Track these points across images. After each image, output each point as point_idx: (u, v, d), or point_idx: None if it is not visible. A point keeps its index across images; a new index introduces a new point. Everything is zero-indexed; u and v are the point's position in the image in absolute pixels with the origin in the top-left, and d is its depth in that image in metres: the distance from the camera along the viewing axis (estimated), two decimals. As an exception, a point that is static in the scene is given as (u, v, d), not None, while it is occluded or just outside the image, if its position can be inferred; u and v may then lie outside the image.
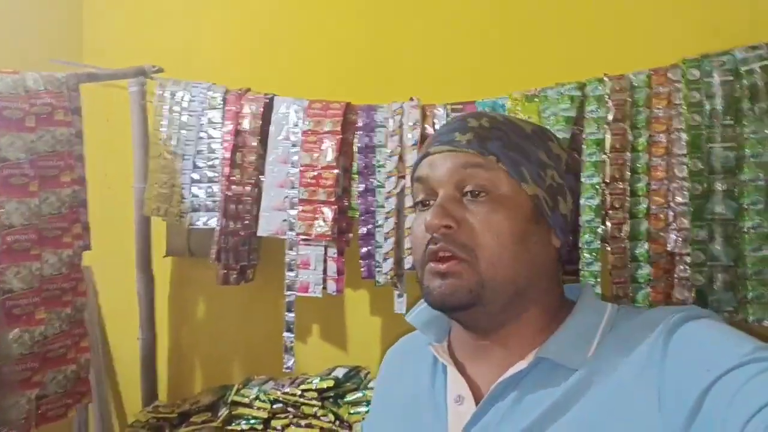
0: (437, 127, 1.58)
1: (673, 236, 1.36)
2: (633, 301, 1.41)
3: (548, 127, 1.46)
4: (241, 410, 1.71)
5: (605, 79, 1.42)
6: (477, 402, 0.63)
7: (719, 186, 1.29)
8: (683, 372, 0.54)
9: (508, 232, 0.63)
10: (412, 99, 1.62)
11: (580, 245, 1.43)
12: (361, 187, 1.67)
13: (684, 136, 1.33)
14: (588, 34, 1.65)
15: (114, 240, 2.07)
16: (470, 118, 0.68)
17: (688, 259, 1.33)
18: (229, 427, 1.69)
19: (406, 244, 1.60)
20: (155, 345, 2.07)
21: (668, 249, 1.37)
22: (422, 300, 0.70)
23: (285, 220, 1.73)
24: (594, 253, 1.42)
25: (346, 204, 1.71)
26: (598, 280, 1.41)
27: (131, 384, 2.17)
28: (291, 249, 1.73)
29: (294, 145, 1.72)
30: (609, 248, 1.42)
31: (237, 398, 1.72)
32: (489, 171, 0.64)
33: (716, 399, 0.51)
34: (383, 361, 0.84)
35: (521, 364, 0.62)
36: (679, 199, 1.35)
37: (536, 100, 1.51)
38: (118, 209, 2.10)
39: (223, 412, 1.72)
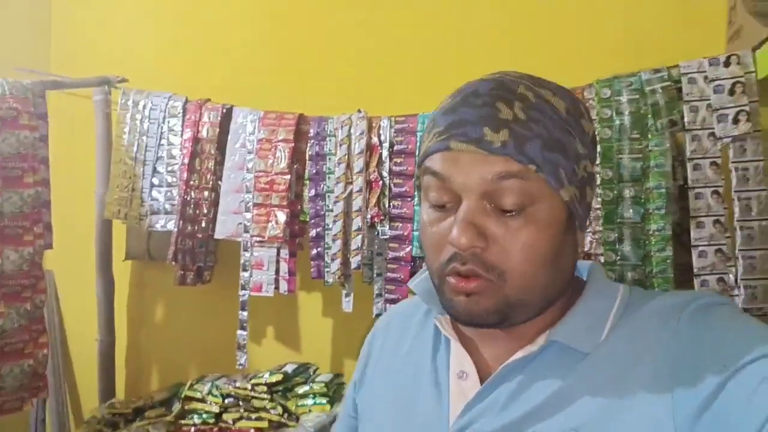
0: (383, 137, 1.71)
1: (588, 238, 1.51)
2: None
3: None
4: (194, 405, 1.78)
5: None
6: (481, 380, 0.61)
7: (627, 193, 1.45)
8: (699, 363, 0.52)
9: (543, 251, 0.57)
10: (359, 111, 1.75)
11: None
12: (312, 192, 1.78)
13: (597, 148, 1.48)
14: (512, 55, 1.81)
15: (75, 243, 2.13)
16: (501, 104, 0.56)
17: (601, 259, 1.48)
18: (183, 422, 1.76)
19: (353, 245, 1.72)
20: (114, 346, 2.13)
21: (584, 250, 1.51)
22: (425, 267, 0.66)
23: (240, 223, 1.83)
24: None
25: (299, 208, 1.82)
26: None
27: (89, 383, 2.21)
28: (245, 250, 1.82)
29: (249, 153, 1.83)
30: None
31: (190, 393, 1.79)
32: (527, 182, 0.55)
33: (732, 394, 0.49)
34: (377, 326, 0.79)
35: (531, 347, 0.59)
36: (592, 204, 1.49)
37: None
38: (80, 213, 2.16)
39: (176, 407, 1.79)
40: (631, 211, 1.44)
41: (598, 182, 1.46)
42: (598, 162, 1.46)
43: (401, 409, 0.66)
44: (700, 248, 1.34)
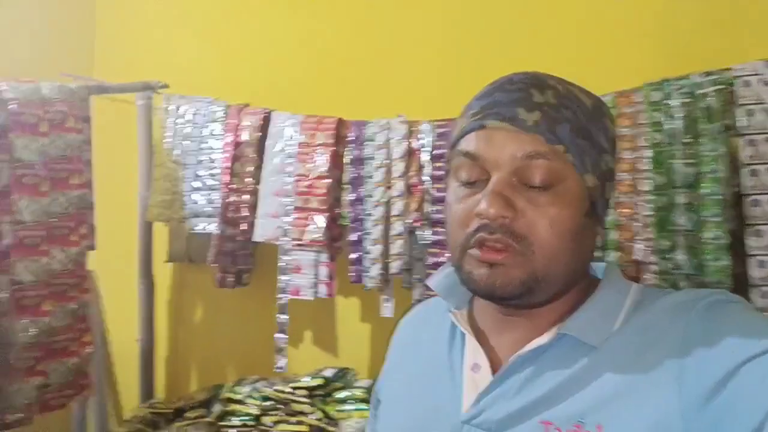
0: (423, 141, 1.69)
1: (640, 246, 1.46)
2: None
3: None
4: (233, 407, 1.78)
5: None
6: (494, 372, 0.63)
7: (680, 199, 1.40)
8: (709, 352, 0.53)
9: (567, 228, 0.58)
10: (399, 116, 1.73)
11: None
12: (352, 196, 1.78)
13: (648, 153, 1.44)
14: (556, 58, 1.77)
15: (117, 245, 2.17)
16: (534, 90, 0.60)
17: (654, 268, 1.43)
18: (222, 423, 1.77)
19: (393, 250, 1.71)
20: (154, 346, 2.16)
21: (635, 258, 1.47)
22: (445, 265, 0.68)
23: (279, 227, 1.83)
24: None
25: (338, 212, 1.81)
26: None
27: (129, 382, 2.24)
28: (285, 254, 1.83)
29: (289, 156, 1.84)
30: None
31: (230, 395, 1.80)
32: (555, 162, 0.58)
33: (739, 385, 0.50)
34: (398, 328, 0.83)
35: (542, 339, 0.60)
36: (644, 211, 1.45)
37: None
38: (123, 216, 2.20)
39: (217, 408, 1.80)
40: (684, 218, 1.39)
41: (650, 188, 1.42)
42: (650, 168, 1.42)
43: (416, 399, 0.68)
44: (759, 257, 1.29)
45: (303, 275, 1.81)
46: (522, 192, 0.59)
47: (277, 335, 1.82)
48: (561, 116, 0.59)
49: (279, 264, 1.82)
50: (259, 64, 2.20)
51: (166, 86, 2.09)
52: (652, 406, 0.53)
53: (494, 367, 0.63)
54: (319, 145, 1.80)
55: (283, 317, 1.82)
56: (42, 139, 1.62)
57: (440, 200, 1.67)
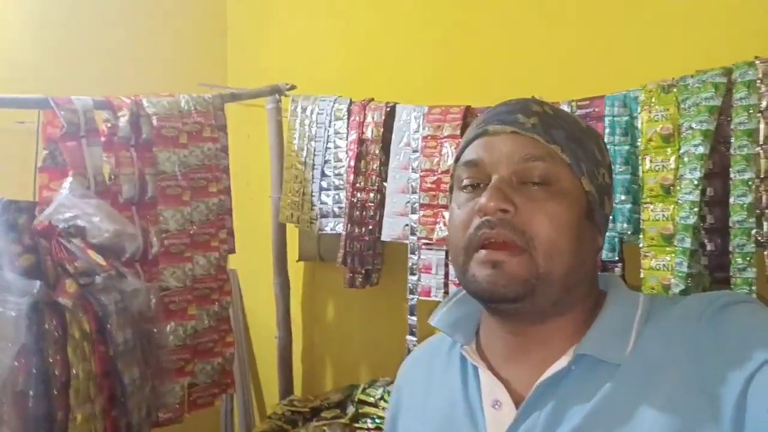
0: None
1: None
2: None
3: (689, 118, 1.35)
4: (366, 409, 1.77)
5: (757, 62, 1.27)
6: (516, 405, 0.60)
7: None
8: (725, 362, 0.53)
9: (566, 224, 0.60)
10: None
11: (730, 249, 1.29)
12: (482, 190, 1.65)
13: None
14: (732, 16, 1.49)
15: (256, 245, 2.25)
16: (532, 103, 0.66)
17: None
18: (357, 425, 1.76)
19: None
20: (291, 343, 2.22)
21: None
22: (442, 303, 0.69)
23: (407, 225, 1.76)
24: (748, 258, 1.27)
25: (467, 208, 1.70)
26: (754, 288, 1.26)
27: (270, 379, 2.34)
28: (413, 253, 1.76)
29: (414, 151, 1.76)
30: (767, 252, 1.27)
31: (363, 397, 1.78)
32: (552, 161, 0.61)
33: (758, 391, 0.50)
34: (401, 370, 0.79)
35: (560, 363, 0.59)
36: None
37: (674, 90, 1.39)
38: (259, 217, 2.28)
39: (351, 410, 1.79)
40: None
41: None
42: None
43: None
44: None
45: (433, 275, 1.73)
46: (521, 190, 0.61)
47: (408, 337, 1.76)
48: (556, 123, 0.63)
49: (408, 263, 1.76)
50: (381, 57, 2.15)
51: (293, 87, 2.12)
52: (687, 426, 0.52)
53: (516, 400, 0.61)
54: (447, 137, 1.70)
55: (413, 319, 1.75)
56: (181, 151, 1.71)
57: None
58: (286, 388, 2.19)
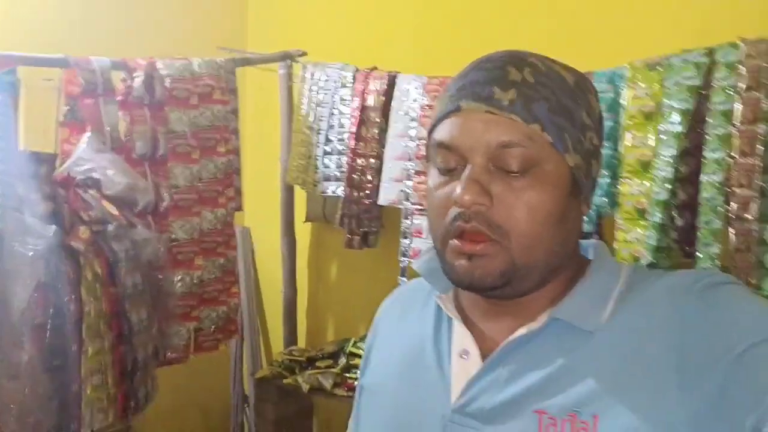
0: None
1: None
2: (758, 290, 1.30)
3: (670, 98, 1.38)
4: (357, 361, 1.89)
5: (740, 43, 1.29)
6: (483, 359, 0.61)
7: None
8: (708, 338, 0.52)
9: (547, 213, 0.57)
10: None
11: (697, 225, 1.34)
12: (473, 160, 1.72)
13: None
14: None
15: (266, 205, 2.37)
16: (511, 68, 0.58)
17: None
18: (347, 375, 1.89)
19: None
20: (295, 299, 2.35)
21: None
22: (429, 248, 0.67)
23: (402, 191, 1.85)
24: (714, 235, 1.33)
25: (460, 177, 1.77)
26: (717, 263, 1.31)
27: (277, 329, 2.49)
28: (406, 218, 1.85)
29: (413, 120, 1.83)
30: (732, 229, 1.32)
31: (353, 350, 1.91)
32: (532, 144, 0.56)
33: (741, 372, 0.49)
34: (380, 310, 0.79)
35: (533, 324, 0.58)
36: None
37: (659, 68, 1.42)
38: (271, 179, 2.39)
39: (342, 361, 1.92)
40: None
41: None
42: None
43: (403, 388, 0.66)
44: None
45: (424, 239, 1.82)
46: (499, 178, 0.57)
47: (399, 297, 1.86)
48: (538, 94, 0.57)
49: (401, 227, 1.85)
50: (386, 25, 2.19)
51: (304, 54, 2.19)
52: (650, 396, 0.52)
53: (484, 353, 0.61)
54: (441, 107, 1.76)
55: (404, 280, 1.85)
56: (192, 111, 1.81)
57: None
58: (290, 340, 2.33)
